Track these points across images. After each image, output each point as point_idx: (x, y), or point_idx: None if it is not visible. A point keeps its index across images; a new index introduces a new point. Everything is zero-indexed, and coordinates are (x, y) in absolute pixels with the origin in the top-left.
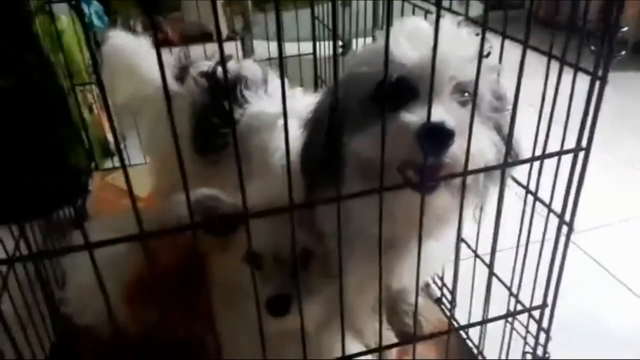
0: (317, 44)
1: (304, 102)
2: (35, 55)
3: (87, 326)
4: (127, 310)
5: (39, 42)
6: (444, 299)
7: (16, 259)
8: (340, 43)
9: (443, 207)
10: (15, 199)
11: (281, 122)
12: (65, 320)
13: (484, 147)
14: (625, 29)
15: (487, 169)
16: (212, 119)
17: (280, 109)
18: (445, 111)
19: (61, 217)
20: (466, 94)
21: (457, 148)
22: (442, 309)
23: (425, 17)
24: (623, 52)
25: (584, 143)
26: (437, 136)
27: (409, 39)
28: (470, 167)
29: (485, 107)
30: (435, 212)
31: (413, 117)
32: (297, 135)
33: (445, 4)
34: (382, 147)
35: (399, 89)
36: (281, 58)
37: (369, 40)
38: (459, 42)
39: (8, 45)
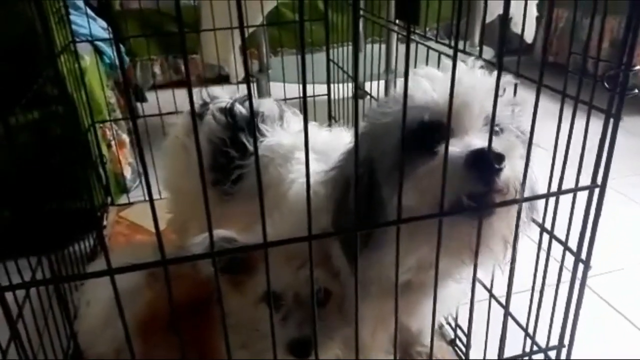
0: (332, 85)
1: (319, 136)
2: (59, 92)
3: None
4: (141, 345)
5: (63, 79)
6: (457, 341)
7: (36, 283)
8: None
9: (503, 229)
10: (31, 231)
11: (297, 154)
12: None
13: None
14: (637, 67)
15: (504, 204)
16: (229, 153)
17: (296, 141)
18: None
19: (74, 251)
20: (496, 127)
21: (507, 172)
22: (455, 351)
23: (439, 60)
24: (636, 91)
25: (599, 180)
26: (487, 161)
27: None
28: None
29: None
30: (500, 235)
31: (456, 148)
32: (315, 168)
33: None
34: (400, 178)
35: (430, 130)
36: (305, 97)
37: (381, 83)
38: (478, 78)
39: (34, 81)
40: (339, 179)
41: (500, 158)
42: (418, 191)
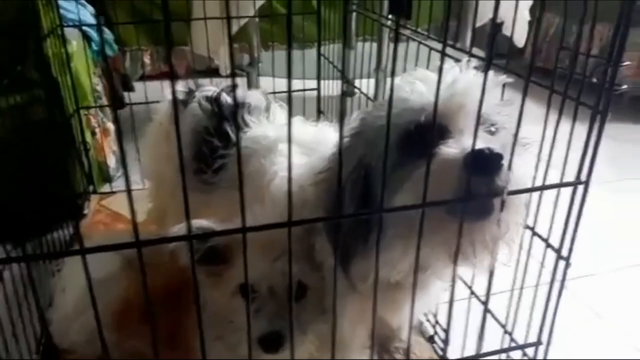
0: (322, 81)
1: (305, 129)
2: (43, 76)
3: (69, 348)
4: (113, 335)
5: (48, 63)
6: (436, 337)
7: (5, 260)
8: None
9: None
10: (9, 218)
11: (281, 146)
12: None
13: (526, 170)
14: (627, 63)
15: (486, 197)
16: (212, 142)
17: (281, 133)
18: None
19: (53, 239)
20: (492, 127)
21: (506, 172)
22: (434, 348)
23: (429, 56)
24: (624, 86)
25: (583, 176)
26: (486, 160)
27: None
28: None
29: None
30: (489, 239)
31: (453, 150)
32: (298, 161)
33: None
34: (384, 171)
35: (426, 132)
36: (290, 90)
37: (372, 81)
38: (473, 79)
39: (19, 64)
40: (333, 181)
41: (498, 157)
42: (415, 193)
